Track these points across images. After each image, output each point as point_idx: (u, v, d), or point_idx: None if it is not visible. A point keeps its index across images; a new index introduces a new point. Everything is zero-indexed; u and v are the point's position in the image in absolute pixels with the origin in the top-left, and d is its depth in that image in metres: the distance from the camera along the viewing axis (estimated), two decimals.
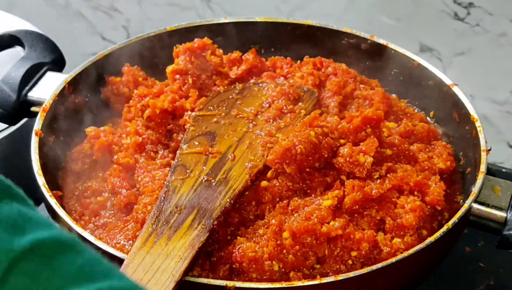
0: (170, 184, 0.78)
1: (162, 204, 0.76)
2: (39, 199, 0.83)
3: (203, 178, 0.79)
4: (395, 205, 0.80)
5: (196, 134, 0.86)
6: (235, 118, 0.90)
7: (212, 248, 0.77)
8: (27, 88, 1.00)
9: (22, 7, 1.50)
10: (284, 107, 0.92)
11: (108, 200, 0.86)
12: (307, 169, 0.82)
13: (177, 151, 0.85)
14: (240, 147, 0.84)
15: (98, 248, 0.73)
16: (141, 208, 0.80)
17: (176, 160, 0.82)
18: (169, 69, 1.00)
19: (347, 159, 0.82)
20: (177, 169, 0.81)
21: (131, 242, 0.78)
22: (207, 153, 0.83)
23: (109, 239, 0.80)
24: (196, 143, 0.85)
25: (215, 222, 0.74)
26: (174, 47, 1.02)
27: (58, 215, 0.78)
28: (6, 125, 1.06)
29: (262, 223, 0.77)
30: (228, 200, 0.77)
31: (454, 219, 0.76)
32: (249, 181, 0.80)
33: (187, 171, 0.80)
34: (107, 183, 0.88)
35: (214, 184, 0.78)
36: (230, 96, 0.94)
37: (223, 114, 0.91)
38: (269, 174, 0.81)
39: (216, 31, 1.09)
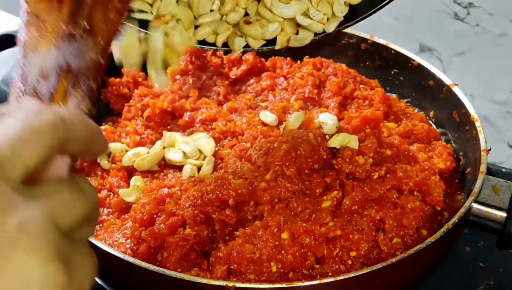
0: (26, 44, 0.60)
1: (25, 69, 0.59)
2: None
3: (64, 30, 0.61)
4: (395, 205, 0.80)
5: None
6: None
7: (210, 248, 0.77)
8: None
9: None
10: None
11: (107, 197, 0.86)
12: (306, 171, 0.82)
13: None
14: None
15: (99, 249, 0.73)
16: (139, 207, 0.80)
17: (25, 11, 0.62)
18: (169, 69, 1.00)
19: (347, 160, 0.82)
20: (30, 22, 0.61)
21: (129, 241, 0.78)
22: None
23: (107, 236, 0.80)
24: None
25: (93, 84, 0.60)
26: None
27: None
28: None
29: (261, 224, 0.77)
30: (99, 53, 0.62)
31: (454, 219, 0.76)
32: (118, 27, 0.64)
33: (42, 23, 0.61)
34: (105, 181, 0.88)
35: (78, 36, 0.61)
36: None
37: None
38: (268, 176, 0.81)
39: None
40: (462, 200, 0.86)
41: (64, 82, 0.59)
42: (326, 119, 0.89)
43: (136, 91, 0.99)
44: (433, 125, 1.00)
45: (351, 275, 0.70)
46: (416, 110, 1.03)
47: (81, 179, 0.44)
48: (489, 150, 0.85)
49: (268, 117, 0.92)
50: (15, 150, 0.39)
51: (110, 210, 0.85)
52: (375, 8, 0.74)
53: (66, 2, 0.62)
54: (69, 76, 0.59)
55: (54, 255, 0.38)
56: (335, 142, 0.84)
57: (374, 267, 0.71)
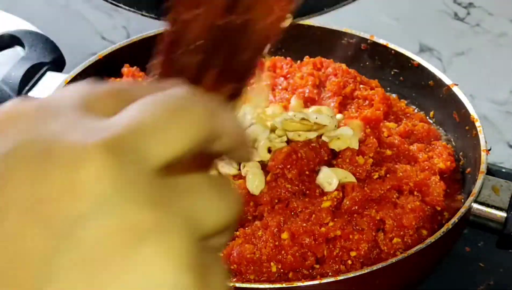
0: (176, 20, 0.52)
1: (171, 53, 0.53)
2: None
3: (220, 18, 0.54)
4: (395, 205, 0.80)
5: None
6: None
7: None
8: (27, 88, 1.00)
9: (22, 7, 1.50)
10: None
11: None
12: (307, 172, 0.81)
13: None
14: None
15: None
16: None
17: None
18: None
19: (347, 160, 0.82)
20: (180, 8, 0.53)
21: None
22: None
23: None
24: None
25: (242, 85, 0.54)
26: None
27: None
28: None
29: (261, 224, 0.77)
30: (252, 55, 0.56)
31: (454, 219, 0.76)
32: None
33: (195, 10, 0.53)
34: None
35: (234, 27, 0.54)
36: None
37: None
38: (268, 177, 0.80)
39: None
40: (462, 200, 0.86)
41: (212, 74, 0.52)
42: None
43: None
44: (433, 125, 1.00)
45: (351, 275, 0.70)
46: (416, 110, 1.03)
47: (227, 180, 0.37)
48: (489, 150, 0.85)
49: None
50: (160, 130, 0.32)
51: None
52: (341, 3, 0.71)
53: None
54: (218, 69, 0.53)
55: (189, 264, 0.31)
56: (336, 143, 0.83)
57: (374, 267, 0.71)
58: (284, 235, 0.74)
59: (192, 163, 0.35)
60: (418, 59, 1.02)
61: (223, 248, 0.38)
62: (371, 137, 0.85)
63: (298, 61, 1.07)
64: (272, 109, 0.91)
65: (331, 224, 0.76)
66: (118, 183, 0.30)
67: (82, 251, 0.30)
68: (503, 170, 1.16)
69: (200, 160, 0.36)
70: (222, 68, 0.51)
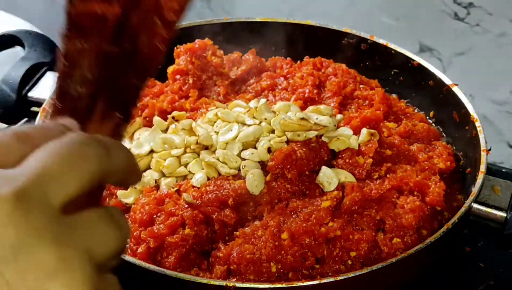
0: (67, 56, 0.54)
1: (63, 84, 0.54)
2: None
3: (107, 48, 0.56)
4: (395, 205, 0.80)
5: None
6: None
7: (210, 248, 0.77)
8: (27, 88, 1.00)
9: (22, 7, 1.50)
10: None
11: (107, 198, 0.86)
12: (307, 172, 0.81)
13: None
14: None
15: None
16: (139, 208, 0.80)
17: (68, 21, 0.58)
18: (170, 69, 1.00)
19: (347, 160, 0.82)
20: (72, 34, 0.56)
21: (128, 241, 0.78)
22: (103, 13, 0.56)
23: None
24: None
25: (131, 108, 0.57)
26: (175, 48, 1.02)
27: None
28: (6, 125, 1.06)
29: (260, 224, 0.77)
30: (140, 79, 0.58)
31: (454, 219, 0.76)
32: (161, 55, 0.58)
33: (85, 37, 0.56)
34: None
35: (120, 57, 0.57)
36: None
37: None
38: (268, 177, 0.80)
39: (216, 31, 1.09)
40: (462, 200, 0.86)
41: (103, 103, 0.56)
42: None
43: None
44: (433, 125, 1.00)
45: (351, 275, 0.70)
46: (416, 110, 1.03)
47: (116, 211, 0.44)
48: (489, 150, 0.85)
49: None
50: (58, 176, 0.39)
51: None
52: None
53: (111, 20, 0.57)
54: (109, 98, 0.56)
55: None
56: (335, 143, 0.84)
57: (374, 267, 0.71)
58: (284, 235, 0.74)
59: (88, 198, 0.42)
60: (418, 59, 1.02)
61: (117, 264, 0.45)
62: (371, 137, 0.85)
63: (298, 61, 1.07)
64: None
65: (331, 224, 0.76)
66: (26, 228, 0.37)
67: None
68: (503, 170, 1.16)
69: (94, 194, 0.44)
70: (111, 97, 0.55)
